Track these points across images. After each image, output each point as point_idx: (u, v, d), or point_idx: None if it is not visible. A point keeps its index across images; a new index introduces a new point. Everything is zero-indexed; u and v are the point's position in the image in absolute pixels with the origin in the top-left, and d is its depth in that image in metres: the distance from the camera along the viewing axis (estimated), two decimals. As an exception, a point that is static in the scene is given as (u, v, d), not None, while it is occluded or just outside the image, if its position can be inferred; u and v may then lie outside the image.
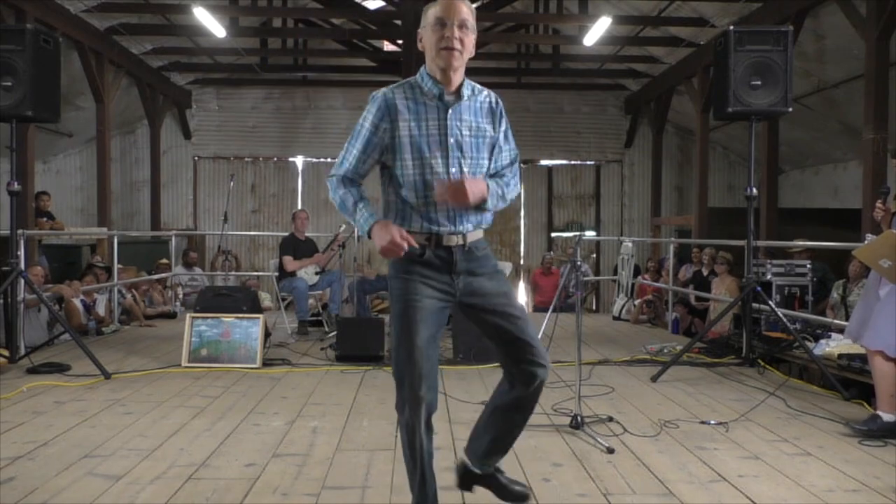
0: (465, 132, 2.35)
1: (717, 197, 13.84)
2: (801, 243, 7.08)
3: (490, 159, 2.44)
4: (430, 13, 2.32)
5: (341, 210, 2.38)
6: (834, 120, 10.54)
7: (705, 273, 8.78)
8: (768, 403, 4.44)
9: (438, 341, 2.40)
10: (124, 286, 8.28)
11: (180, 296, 9.73)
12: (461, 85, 2.37)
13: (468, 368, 5.55)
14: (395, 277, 2.38)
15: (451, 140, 2.33)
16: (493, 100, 2.47)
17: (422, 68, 2.39)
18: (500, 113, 2.48)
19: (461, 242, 2.38)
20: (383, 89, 2.39)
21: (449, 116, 2.33)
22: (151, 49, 11.85)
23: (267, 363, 5.61)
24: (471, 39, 2.33)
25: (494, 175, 2.48)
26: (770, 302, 5.74)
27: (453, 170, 2.33)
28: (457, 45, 2.27)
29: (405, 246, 2.20)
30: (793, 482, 3.10)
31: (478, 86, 2.46)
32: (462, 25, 2.28)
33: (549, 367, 2.42)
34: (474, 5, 12.15)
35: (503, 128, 2.49)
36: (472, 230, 2.41)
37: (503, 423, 2.50)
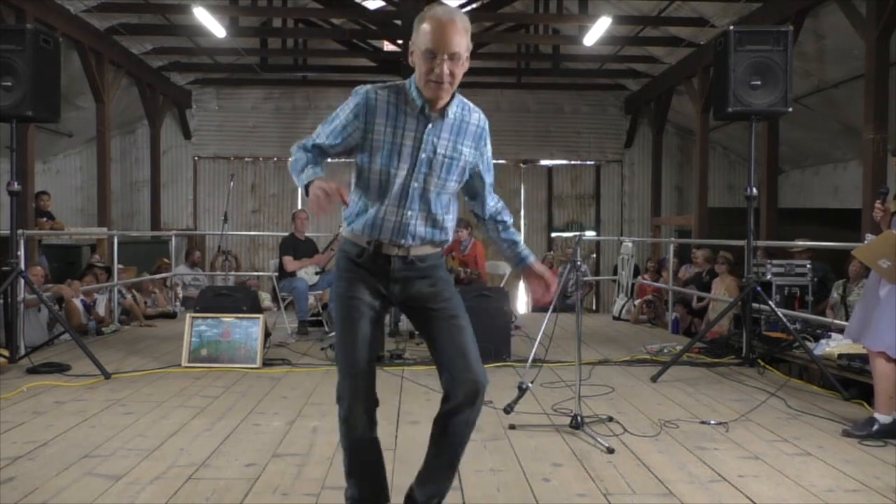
0: (441, 151, 2.29)
1: (717, 197, 13.84)
2: (801, 243, 7.08)
3: (459, 182, 2.38)
4: (422, 37, 2.19)
5: (292, 170, 2.36)
6: (834, 120, 10.54)
7: (703, 274, 8.76)
8: (768, 403, 4.44)
9: (378, 338, 2.40)
10: (124, 286, 8.28)
11: (180, 295, 9.73)
12: (448, 103, 2.30)
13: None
14: (336, 279, 2.42)
15: (423, 155, 2.27)
16: (482, 124, 2.38)
17: (412, 76, 2.31)
18: (485, 139, 2.40)
19: (402, 254, 2.34)
20: (368, 86, 2.34)
21: (427, 131, 2.27)
22: (151, 49, 11.85)
23: (267, 363, 5.61)
24: (462, 67, 2.23)
25: (493, 218, 2.53)
26: (770, 302, 5.74)
27: (415, 184, 2.28)
28: (446, 79, 2.19)
29: (334, 197, 2.14)
30: (793, 482, 3.11)
31: (470, 105, 2.38)
32: (452, 57, 2.18)
33: (482, 382, 2.30)
34: (474, 6, 12.14)
35: (486, 155, 2.43)
36: (419, 245, 2.35)
37: (435, 443, 2.43)
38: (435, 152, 2.29)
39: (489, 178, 2.49)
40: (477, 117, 2.38)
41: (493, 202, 2.53)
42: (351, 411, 2.35)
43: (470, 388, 2.28)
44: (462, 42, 2.20)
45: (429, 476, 2.45)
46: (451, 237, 2.45)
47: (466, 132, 2.34)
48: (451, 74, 2.21)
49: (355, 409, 2.35)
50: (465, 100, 2.38)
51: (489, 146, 2.44)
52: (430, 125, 2.28)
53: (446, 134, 2.30)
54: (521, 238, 2.60)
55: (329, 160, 2.44)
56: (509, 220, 2.57)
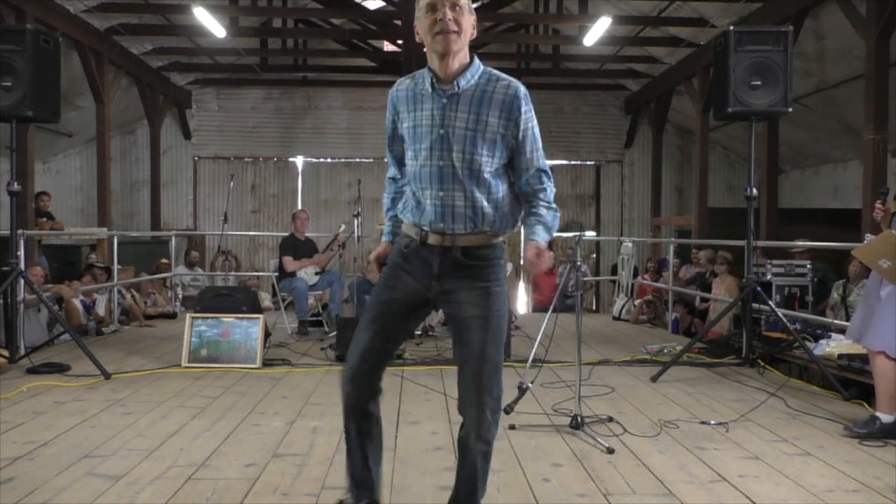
0: (459, 124, 2.21)
1: (717, 197, 13.84)
2: (802, 243, 7.07)
3: (493, 156, 2.24)
4: (421, 1, 2.22)
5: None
6: (834, 120, 10.54)
7: (706, 274, 8.75)
8: (768, 404, 4.44)
9: (401, 332, 2.37)
10: (124, 286, 8.28)
11: (180, 296, 9.74)
12: (463, 71, 2.23)
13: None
14: (385, 266, 2.42)
15: (442, 131, 2.22)
16: (513, 92, 2.23)
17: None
18: (519, 108, 2.23)
19: (448, 244, 2.25)
20: (398, 80, 2.41)
21: (443, 106, 2.22)
22: (151, 49, 11.86)
23: (267, 363, 5.61)
24: (468, 20, 2.20)
25: (529, 202, 2.36)
26: (770, 302, 5.74)
27: (441, 163, 2.21)
28: (451, 26, 2.15)
29: (374, 269, 2.45)
30: (793, 482, 3.11)
31: (498, 74, 2.27)
32: (454, 6, 2.16)
33: (490, 433, 2.24)
34: (474, 6, 12.23)
35: (522, 127, 2.25)
36: (466, 233, 2.25)
37: (458, 468, 2.37)
38: (454, 127, 2.21)
39: (529, 153, 2.30)
40: (506, 85, 2.24)
41: (527, 179, 2.34)
42: (346, 385, 2.34)
43: (479, 429, 2.25)
44: None
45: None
46: (507, 225, 2.32)
47: (492, 102, 2.22)
48: (456, 22, 2.17)
49: (346, 396, 2.35)
50: (495, 71, 2.29)
51: (526, 117, 2.26)
52: (445, 100, 2.23)
53: (465, 106, 2.22)
54: (546, 217, 2.38)
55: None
56: (540, 199, 2.37)
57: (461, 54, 2.23)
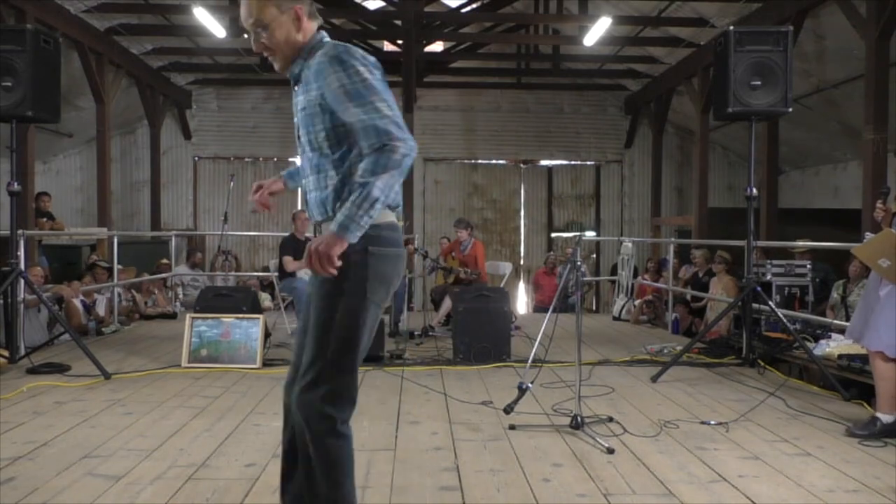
0: (300, 108, 2.21)
1: (717, 197, 13.84)
2: (802, 243, 7.07)
3: (326, 130, 2.11)
4: None
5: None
6: (834, 120, 10.54)
7: (700, 274, 8.76)
8: (768, 404, 4.44)
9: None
10: (124, 287, 8.28)
11: (180, 296, 9.74)
12: (297, 62, 2.19)
13: (468, 369, 5.55)
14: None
15: (295, 119, 2.29)
16: (319, 57, 2.09)
17: None
18: (324, 71, 2.05)
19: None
20: None
21: (295, 95, 2.27)
22: (151, 49, 11.87)
23: (267, 363, 5.62)
24: (279, 33, 2.11)
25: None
26: (770, 302, 5.74)
27: (300, 149, 2.27)
28: (262, 50, 2.17)
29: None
30: (793, 482, 3.10)
31: (322, 47, 2.13)
32: (258, 36, 2.14)
33: (304, 401, 2.03)
34: (474, 6, 12.11)
35: (334, 85, 2.02)
36: (322, 221, 2.18)
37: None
38: (299, 111, 2.22)
39: (341, 111, 2.04)
40: (321, 53, 2.10)
41: (362, 151, 2.01)
42: (350, 415, 2.10)
43: (294, 401, 2.10)
44: (255, 6, 2.10)
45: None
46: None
47: (315, 74, 2.10)
48: (266, 46, 2.16)
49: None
50: (323, 45, 2.15)
51: (334, 74, 2.03)
52: (295, 90, 2.26)
53: (304, 89, 2.18)
54: (352, 201, 1.93)
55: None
56: (361, 178, 1.95)
57: (289, 57, 2.19)
